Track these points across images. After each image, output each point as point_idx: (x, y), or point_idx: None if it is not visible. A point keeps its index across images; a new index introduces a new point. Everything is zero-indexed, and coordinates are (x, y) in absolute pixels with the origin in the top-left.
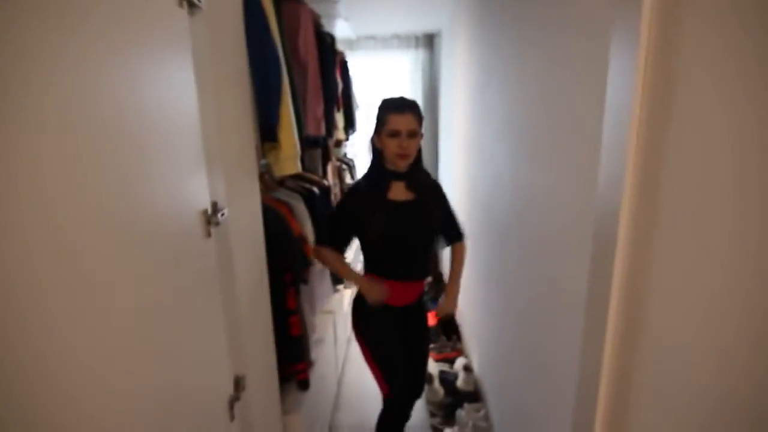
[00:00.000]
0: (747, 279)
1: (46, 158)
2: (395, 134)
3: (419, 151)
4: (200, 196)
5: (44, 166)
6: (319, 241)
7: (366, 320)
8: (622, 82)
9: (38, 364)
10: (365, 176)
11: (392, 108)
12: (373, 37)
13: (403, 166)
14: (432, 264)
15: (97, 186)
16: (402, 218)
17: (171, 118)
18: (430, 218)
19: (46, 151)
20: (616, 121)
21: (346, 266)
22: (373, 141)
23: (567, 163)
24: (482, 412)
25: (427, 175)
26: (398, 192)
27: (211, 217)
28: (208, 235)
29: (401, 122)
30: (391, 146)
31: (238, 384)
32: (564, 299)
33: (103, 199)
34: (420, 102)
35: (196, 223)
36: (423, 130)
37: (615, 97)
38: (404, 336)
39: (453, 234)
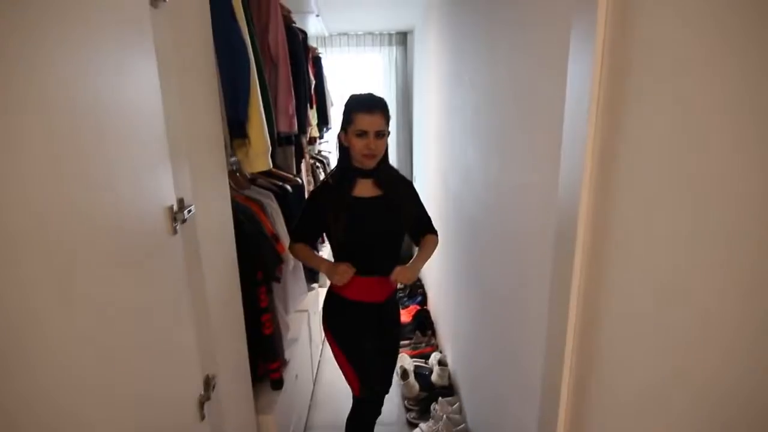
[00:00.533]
0: (702, 263)
1: None
2: (363, 134)
3: (386, 150)
4: (165, 193)
5: None
6: (292, 239)
7: (337, 318)
8: (581, 73)
9: None
10: (332, 173)
11: (361, 107)
12: (346, 34)
13: (369, 165)
14: (404, 261)
15: (54, 182)
16: (367, 214)
17: (132, 112)
18: (398, 213)
19: None
20: (575, 114)
21: (315, 256)
22: (340, 138)
23: (534, 156)
24: (456, 405)
25: (395, 171)
26: (365, 189)
27: (177, 214)
28: (174, 232)
29: (369, 123)
30: (358, 146)
31: (209, 384)
32: (533, 293)
33: (59, 195)
34: (394, 99)
35: (160, 220)
36: (392, 129)
37: (574, 89)
38: (376, 333)
39: (424, 229)
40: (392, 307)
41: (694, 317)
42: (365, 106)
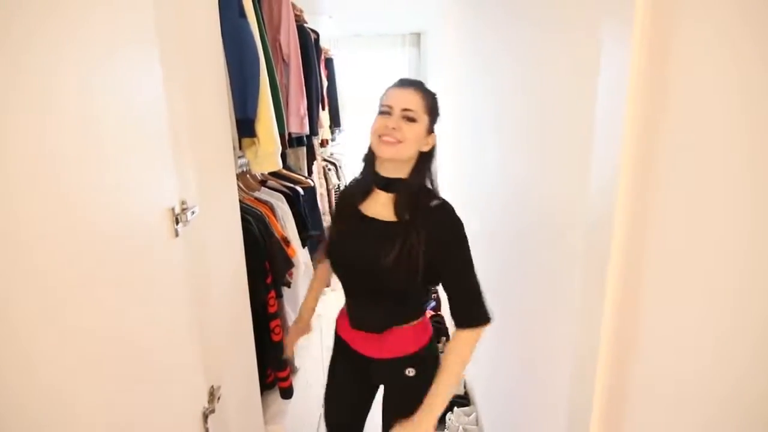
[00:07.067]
0: (745, 276)
1: None
2: (386, 111)
3: (426, 161)
4: (166, 193)
5: None
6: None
7: (334, 346)
8: (614, 74)
9: None
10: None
11: (393, 84)
12: (358, 36)
13: (385, 154)
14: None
15: (41, 181)
16: (357, 236)
17: (130, 109)
18: (410, 259)
19: None
20: (607, 112)
21: (308, 293)
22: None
23: (559, 156)
24: (472, 416)
25: (428, 195)
26: (377, 205)
27: (179, 216)
28: (176, 234)
29: (397, 96)
30: (375, 126)
31: (213, 396)
32: (558, 298)
33: (47, 194)
34: None
35: (160, 222)
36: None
37: (606, 88)
38: (359, 393)
39: (464, 312)
40: (395, 378)
41: (748, 329)
42: (397, 82)
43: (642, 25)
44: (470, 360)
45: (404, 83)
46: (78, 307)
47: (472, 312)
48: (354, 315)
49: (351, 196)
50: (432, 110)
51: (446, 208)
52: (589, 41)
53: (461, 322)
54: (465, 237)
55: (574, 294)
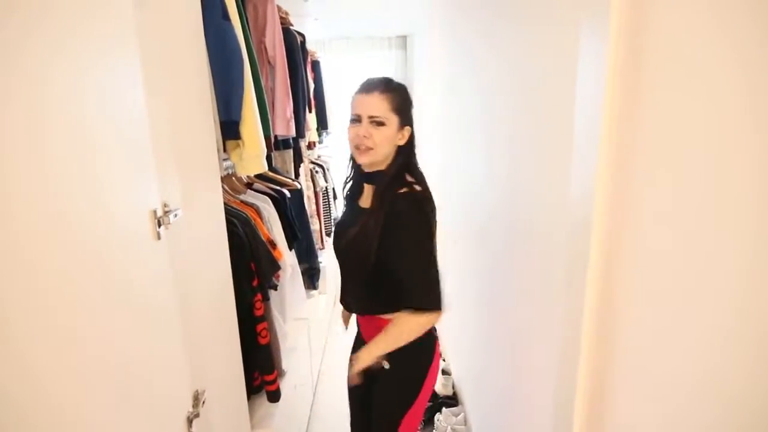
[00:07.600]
0: (734, 266)
1: None
2: (355, 120)
3: (402, 152)
4: (148, 196)
5: None
6: None
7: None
8: (592, 75)
9: None
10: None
11: (358, 88)
12: (345, 38)
13: (362, 161)
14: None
15: (18, 185)
16: (346, 226)
17: (109, 112)
18: (365, 239)
19: None
20: (586, 116)
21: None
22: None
23: (542, 159)
24: (461, 416)
25: (404, 187)
26: (367, 197)
27: (161, 218)
28: (158, 237)
29: (362, 104)
30: (349, 136)
31: (198, 400)
32: (544, 299)
33: (25, 198)
34: None
35: (143, 225)
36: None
37: (585, 90)
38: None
39: (400, 296)
40: (375, 367)
41: (721, 324)
42: (362, 86)
43: (618, 21)
44: (407, 340)
45: (368, 88)
46: (61, 309)
47: (406, 294)
48: (341, 292)
49: (351, 193)
50: (400, 107)
51: (409, 197)
52: (572, 42)
53: (403, 302)
54: (414, 224)
55: (559, 296)
